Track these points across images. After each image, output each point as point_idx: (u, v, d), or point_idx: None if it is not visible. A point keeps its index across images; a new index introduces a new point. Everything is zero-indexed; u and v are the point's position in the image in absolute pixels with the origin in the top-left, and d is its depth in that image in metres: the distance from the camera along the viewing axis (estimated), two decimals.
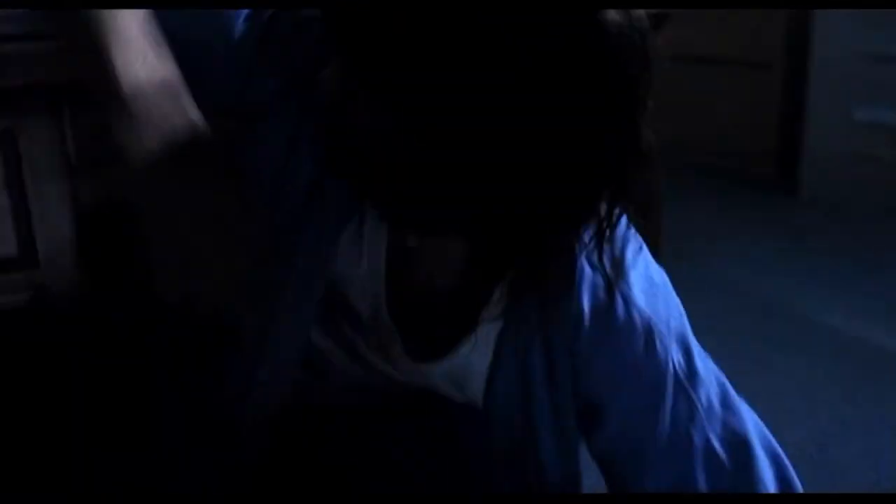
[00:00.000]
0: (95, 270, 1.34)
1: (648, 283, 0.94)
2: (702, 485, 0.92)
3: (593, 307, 0.90)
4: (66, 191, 1.27)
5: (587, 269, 0.90)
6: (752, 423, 1.00)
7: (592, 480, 1.01)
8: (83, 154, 1.26)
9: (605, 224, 0.80)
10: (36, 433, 1.28)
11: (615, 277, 0.89)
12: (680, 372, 0.94)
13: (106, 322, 1.39)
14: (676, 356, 0.94)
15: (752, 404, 2.00)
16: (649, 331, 0.92)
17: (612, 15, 0.70)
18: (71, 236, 1.29)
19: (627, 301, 0.91)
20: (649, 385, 0.93)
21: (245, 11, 0.91)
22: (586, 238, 0.82)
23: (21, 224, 1.25)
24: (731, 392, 1.01)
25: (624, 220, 0.85)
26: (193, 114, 0.81)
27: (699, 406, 0.95)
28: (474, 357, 0.94)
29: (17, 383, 1.27)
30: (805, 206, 3.42)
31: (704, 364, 0.98)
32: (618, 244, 0.88)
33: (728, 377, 2.10)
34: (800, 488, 0.97)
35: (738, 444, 0.96)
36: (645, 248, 0.97)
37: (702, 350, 1.00)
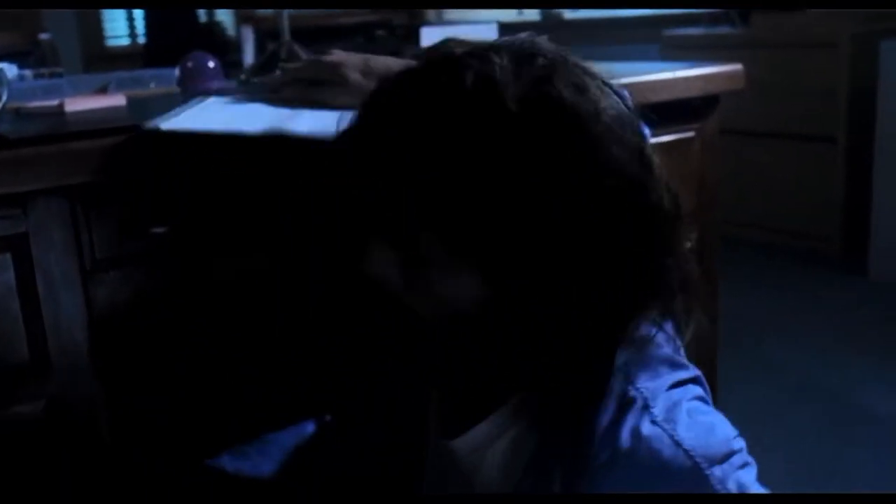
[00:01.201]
0: (111, 380, 1.29)
1: (702, 422, 0.88)
2: None
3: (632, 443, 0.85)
4: (80, 297, 1.22)
5: (636, 401, 0.86)
6: None
7: None
8: (98, 259, 1.22)
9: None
10: None
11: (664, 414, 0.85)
12: None
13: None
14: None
15: None
16: (698, 475, 0.84)
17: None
18: (85, 344, 1.24)
19: (678, 444, 0.84)
20: None
21: None
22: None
23: (33, 331, 1.20)
24: None
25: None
26: None
27: None
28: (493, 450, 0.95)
29: (26, 494, 1.22)
30: (872, 288, 3.27)
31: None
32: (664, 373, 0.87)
33: (794, 474, 1.99)
34: None
35: None
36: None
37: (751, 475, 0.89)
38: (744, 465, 0.87)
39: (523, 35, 0.88)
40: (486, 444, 0.95)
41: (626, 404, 0.85)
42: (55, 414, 1.23)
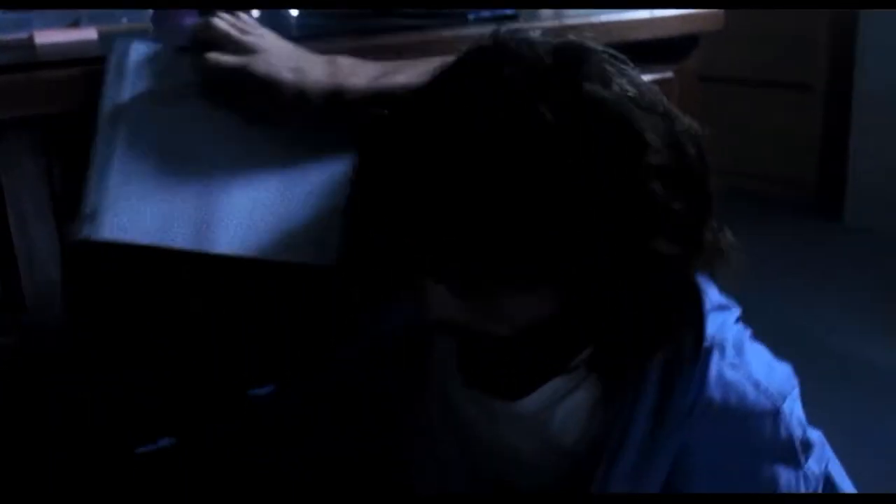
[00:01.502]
0: (84, 314, 1.28)
1: (763, 358, 0.99)
2: None
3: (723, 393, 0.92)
4: (53, 230, 1.21)
5: (712, 349, 0.93)
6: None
7: None
8: (70, 191, 1.21)
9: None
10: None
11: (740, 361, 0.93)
12: (798, 447, 0.95)
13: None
14: (798, 432, 0.96)
15: None
16: (776, 413, 0.93)
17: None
18: (58, 278, 1.23)
19: (757, 385, 0.94)
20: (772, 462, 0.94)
21: None
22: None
23: (5, 265, 1.19)
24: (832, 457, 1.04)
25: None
26: None
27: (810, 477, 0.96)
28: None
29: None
30: (847, 233, 3.30)
31: (813, 433, 1.00)
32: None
33: None
34: None
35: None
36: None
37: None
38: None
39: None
40: (557, 401, 0.96)
41: (702, 353, 0.91)
42: (29, 347, 1.22)
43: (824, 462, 0.99)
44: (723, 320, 0.98)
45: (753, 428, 0.92)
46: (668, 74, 1.74)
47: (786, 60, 3.59)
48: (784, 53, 3.58)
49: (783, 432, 0.92)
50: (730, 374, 0.92)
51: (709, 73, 1.92)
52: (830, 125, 3.56)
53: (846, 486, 1.02)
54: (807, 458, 0.95)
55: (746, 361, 0.94)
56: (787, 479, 0.93)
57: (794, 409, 0.95)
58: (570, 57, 0.82)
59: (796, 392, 0.97)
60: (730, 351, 0.94)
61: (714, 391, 0.91)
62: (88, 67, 1.16)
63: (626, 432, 0.91)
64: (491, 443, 1.04)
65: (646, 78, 0.89)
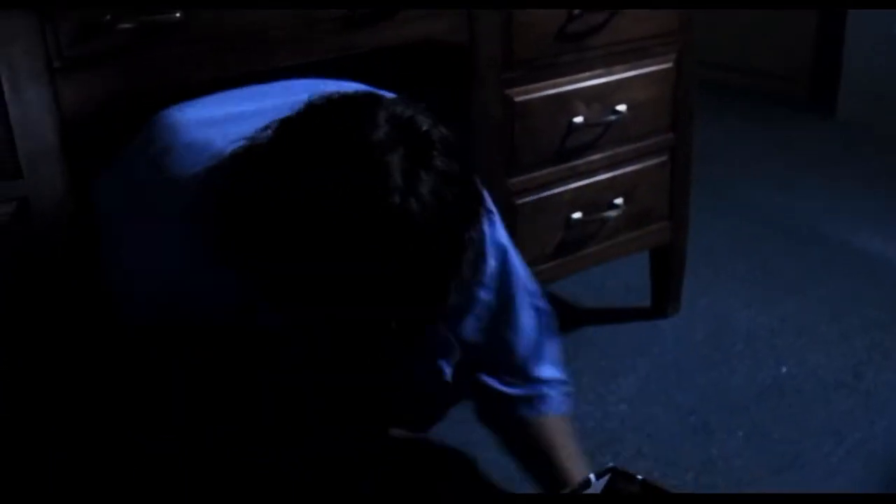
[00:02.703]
0: (81, 181, 1.26)
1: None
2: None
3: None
4: (49, 96, 1.18)
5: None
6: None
7: None
8: (65, 57, 1.17)
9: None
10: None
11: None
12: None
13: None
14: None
15: (784, 330, 1.93)
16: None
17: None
18: (55, 145, 1.20)
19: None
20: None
21: None
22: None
23: (1, 132, 1.16)
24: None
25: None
26: None
27: None
28: None
29: None
30: (839, 126, 3.28)
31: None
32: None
33: (759, 301, 2.03)
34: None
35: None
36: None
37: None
38: None
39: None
40: None
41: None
42: (26, 216, 1.20)
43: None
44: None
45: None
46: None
47: None
48: None
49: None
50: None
51: None
52: (825, 22, 3.51)
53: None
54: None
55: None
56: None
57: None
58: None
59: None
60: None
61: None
62: None
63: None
64: None
65: None
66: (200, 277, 1.11)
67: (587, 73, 1.68)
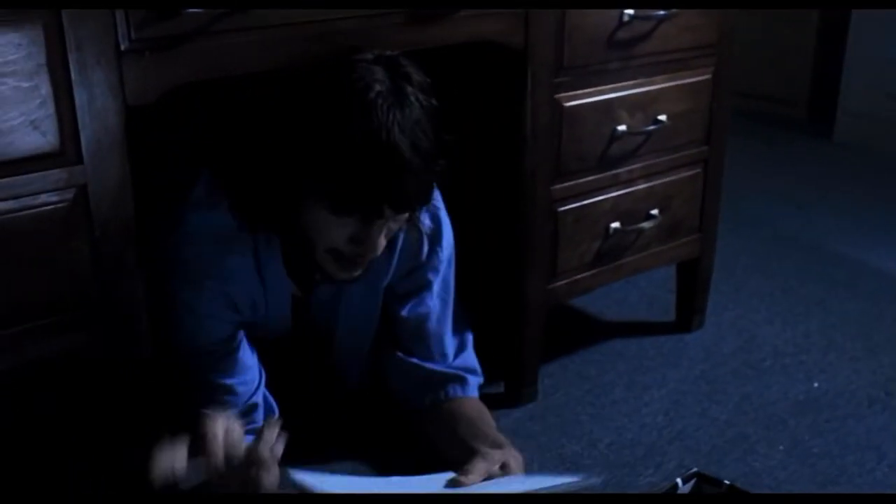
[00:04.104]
0: (144, 169, 1.22)
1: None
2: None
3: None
4: (115, 79, 1.14)
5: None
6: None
7: None
8: (136, 38, 1.14)
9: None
10: None
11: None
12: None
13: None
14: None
15: (810, 346, 1.93)
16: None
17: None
18: (117, 131, 1.16)
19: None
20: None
21: None
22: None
23: (64, 114, 1.11)
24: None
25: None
26: None
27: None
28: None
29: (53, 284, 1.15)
30: (837, 148, 3.31)
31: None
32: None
33: (782, 317, 2.03)
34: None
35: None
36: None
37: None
38: None
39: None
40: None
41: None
42: (84, 205, 1.16)
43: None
44: None
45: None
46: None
47: None
48: None
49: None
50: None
51: None
52: (824, 45, 3.55)
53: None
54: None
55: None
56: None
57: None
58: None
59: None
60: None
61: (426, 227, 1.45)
62: None
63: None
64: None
65: None
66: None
67: (631, 82, 1.67)
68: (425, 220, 1.42)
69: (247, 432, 1.17)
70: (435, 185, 1.30)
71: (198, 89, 1.25)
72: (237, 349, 1.36)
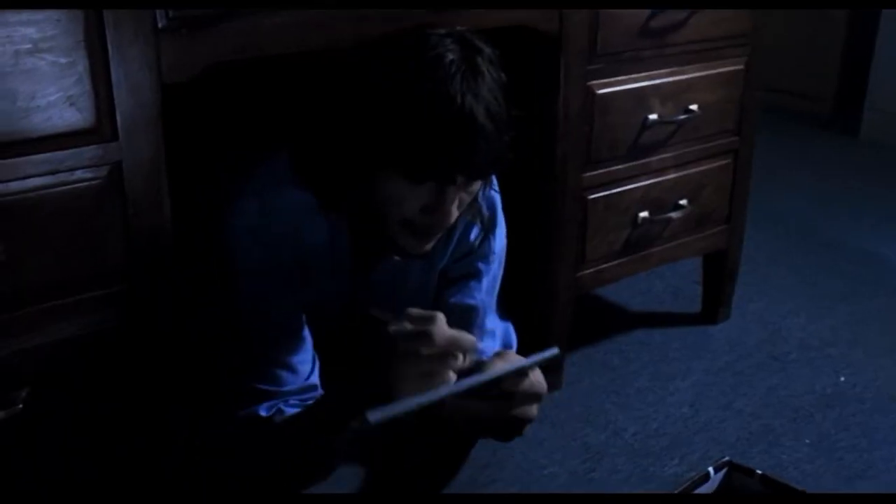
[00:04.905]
0: (179, 146, 1.22)
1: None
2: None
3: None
4: (152, 56, 1.14)
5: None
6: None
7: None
8: (173, 16, 1.13)
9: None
10: None
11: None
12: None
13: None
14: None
15: (836, 340, 1.91)
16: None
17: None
18: (153, 108, 1.16)
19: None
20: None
21: None
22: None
23: (100, 91, 1.11)
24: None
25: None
26: None
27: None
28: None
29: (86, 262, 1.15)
30: (863, 146, 3.29)
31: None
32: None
33: (807, 311, 2.01)
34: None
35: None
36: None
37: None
38: None
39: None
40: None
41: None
42: (119, 182, 1.16)
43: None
44: None
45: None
46: None
47: None
48: None
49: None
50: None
51: None
52: (852, 43, 3.52)
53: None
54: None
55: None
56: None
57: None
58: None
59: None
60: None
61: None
62: None
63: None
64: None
65: None
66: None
67: (664, 70, 1.66)
68: (483, 206, 1.41)
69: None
70: (505, 156, 1.26)
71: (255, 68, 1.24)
72: (301, 327, 1.37)
